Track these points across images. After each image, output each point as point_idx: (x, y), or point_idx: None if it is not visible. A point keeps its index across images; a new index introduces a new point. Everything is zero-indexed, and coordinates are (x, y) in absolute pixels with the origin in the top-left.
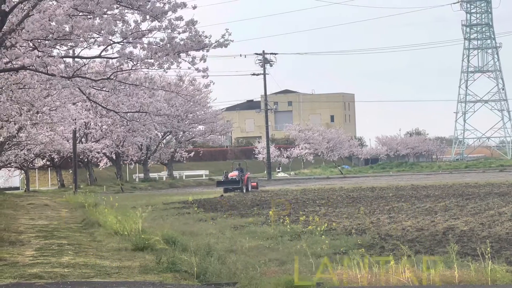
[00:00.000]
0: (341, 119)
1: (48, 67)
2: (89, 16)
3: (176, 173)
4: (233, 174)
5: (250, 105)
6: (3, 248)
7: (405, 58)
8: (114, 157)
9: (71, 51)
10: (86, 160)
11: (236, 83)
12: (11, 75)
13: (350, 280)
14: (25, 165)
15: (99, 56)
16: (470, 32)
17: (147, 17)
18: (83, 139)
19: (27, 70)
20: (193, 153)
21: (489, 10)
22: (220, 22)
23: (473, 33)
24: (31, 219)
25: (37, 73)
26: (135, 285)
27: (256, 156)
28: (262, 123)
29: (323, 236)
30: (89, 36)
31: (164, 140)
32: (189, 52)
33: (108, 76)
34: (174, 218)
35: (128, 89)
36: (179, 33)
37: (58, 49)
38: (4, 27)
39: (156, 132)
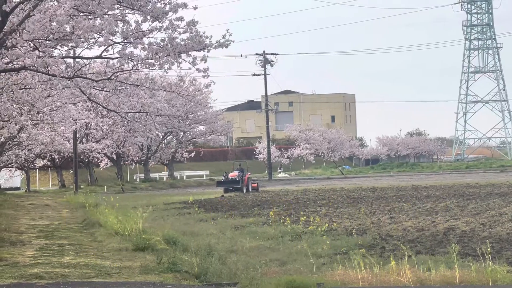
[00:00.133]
0: (342, 119)
1: (49, 68)
2: (90, 17)
3: (176, 174)
4: (234, 174)
5: (251, 105)
6: (4, 248)
7: (405, 59)
8: (114, 157)
9: (71, 52)
10: (86, 160)
11: (236, 84)
12: (12, 76)
13: (351, 280)
14: (26, 165)
15: (100, 57)
16: (471, 33)
17: (148, 17)
18: (83, 140)
19: (28, 71)
20: (193, 153)
21: (490, 11)
22: (221, 23)
23: (473, 34)
24: (31, 219)
25: (38, 73)
26: (135, 286)
27: (256, 156)
28: (263, 123)
29: (323, 236)
30: (89, 37)
31: (165, 141)
32: (189, 53)
33: (108, 76)
34: (174, 218)
35: (128, 89)
36: (179, 34)
37: (59, 49)
38: (5, 27)
39: (156, 132)
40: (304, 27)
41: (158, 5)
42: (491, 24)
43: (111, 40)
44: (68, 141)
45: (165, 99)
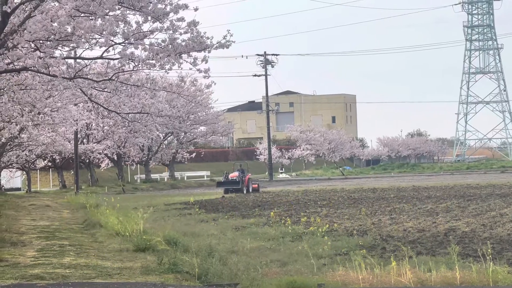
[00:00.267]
0: (343, 120)
1: (50, 68)
2: (91, 17)
3: (177, 174)
4: (234, 175)
5: (252, 106)
6: (5, 249)
7: (406, 59)
8: (115, 158)
9: (72, 52)
10: (87, 161)
11: (237, 84)
12: (13, 76)
13: (351, 281)
14: (27, 166)
15: (101, 57)
16: (472, 33)
17: (149, 18)
18: (84, 140)
19: (29, 71)
20: (194, 154)
21: (491, 12)
22: (222, 23)
23: (474, 34)
24: (32, 220)
25: (38, 74)
26: (136, 286)
27: (257, 157)
28: (264, 124)
29: (324, 237)
30: (90, 37)
31: (166, 141)
32: (190, 53)
33: (109, 77)
34: (175, 219)
35: (129, 90)
36: (180, 34)
37: (60, 50)
38: (6, 28)
39: (157, 133)
40: (305, 28)
41: (159, 5)
42: (492, 25)
43: (112, 40)
44: (69, 141)
45: (166, 99)
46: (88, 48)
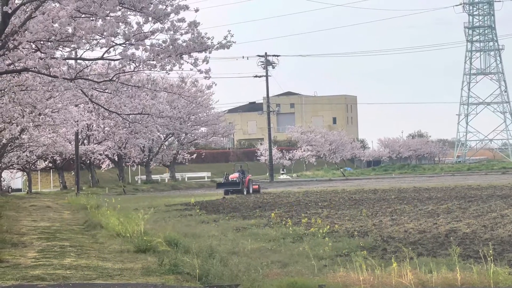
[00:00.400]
0: (344, 121)
1: (51, 69)
2: (91, 18)
3: (178, 175)
4: (234, 176)
5: (253, 107)
6: (5, 250)
7: (407, 60)
8: (116, 159)
9: (73, 53)
10: (88, 162)
11: (238, 85)
12: (14, 77)
13: (352, 282)
14: (27, 167)
15: (102, 58)
16: (473, 34)
17: (150, 19)
18: (85, 141)
19: (30, 72)
20: (195, 155)
21: (492, 12)
22: (223, 24)
23: (475, 35)
24: (33, 221)
25: (39, 75)
26: (137, 287)
27: (258, 158)
28: (265, 125)
29: (325, 238)
30: (91, 38)
31: (166, 142)
32: (191, 54)
33: (110, 77)
34: (176, 220)
35: (130, 90)
36: (181, 35)
37: (61, 50)
38: (7, 28)
39: (158, 134)
40: (305, 29)
41: (160, 6)
42: (493, 26)
43: (113, 41)
44: (70, 142)
45: (166, 100)
46: (89, 49)
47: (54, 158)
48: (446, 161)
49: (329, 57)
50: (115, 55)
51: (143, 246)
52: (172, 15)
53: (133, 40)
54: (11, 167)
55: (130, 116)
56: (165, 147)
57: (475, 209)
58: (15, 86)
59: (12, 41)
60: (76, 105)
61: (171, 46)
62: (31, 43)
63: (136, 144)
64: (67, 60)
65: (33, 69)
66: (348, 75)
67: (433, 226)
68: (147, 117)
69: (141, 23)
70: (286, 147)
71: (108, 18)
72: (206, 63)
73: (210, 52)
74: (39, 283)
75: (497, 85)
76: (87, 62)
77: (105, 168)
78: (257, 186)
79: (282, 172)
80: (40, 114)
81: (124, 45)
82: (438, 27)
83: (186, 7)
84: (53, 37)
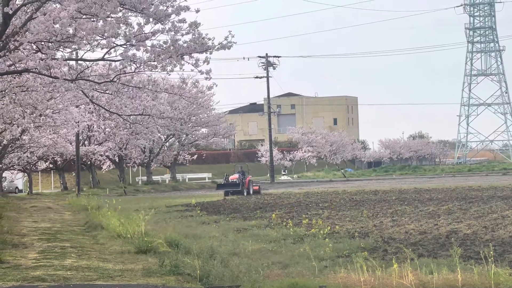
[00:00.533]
0: (344, 122)
1: (51, 70)
2: (92, 19)
3: (179, 176)
4: (234, 177)
5: (253, 108)
6: (6, 251)
7: (408, 61)
8: (117, 159)
9: (74, 54)
10: (89, 162)
11: (239, 86)
12: (14, 78)
13: (353, 283)
14: (28, 167)
15: (102, 59)
16: (474, 35)
17: (151, 19)
18: (86, 142)
19: (30, 73)
20: (196, 156)
21: (493, 14)
22: (223, 25)
23: (476, 36)
24: (34, 222)
25: (40, 75)
26: None
27: (259, 159)
28: (265, 126)
29: (326, 239)
30: (92, 39)
31: (167, 143)
32: (192, 54)
33: (111, 78)
34: (177, 221)
35: (131, 91)
36: (182, 35)
37: (62, 51)
38: (7, 29)
39: (159, 135)
40: (306, 30)
41: (161, 7)
42: (494, 27)
43: (114, 42)
44: (71, 143)
45: (167, 101)
46: (89, 50)
47: (55, 159)
48: (447, 162)
49: (330, 58)
50: (116, 56)
51: (144, 247)
52: (173, 16)
53: (134, 41)
54: (11, 168)
55: (131, 117)
56: (165, 148)
57: (476, 210)
58: (16, 87)
59: (13, 42)
60: (77, 106)
61: (172, 47)
62: (32, 44)
63: (136, 145)
64: (68, 61)
65: (34, 70)
66: (349, 76)
67: (434, 227)
68: (147, 118)
69: (142, 24)
70: (286, 148)
71: (109, 19)
72: (207, 64)
73: (211, 53)
74: (39, 284)
75: (497, 86)
76: (88, 63)
77: (106, 169)
78: (258, 187)
79: (284, 173)
80: (40, 115)
81: (125, 46)
82: (439, 28)
83: (187, 8)
84: (54, 38)
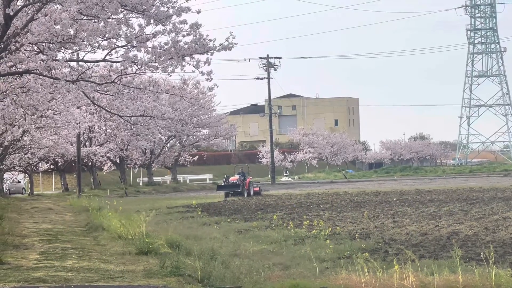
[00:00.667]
0: (345, 123)
1: (53, 71)
2: (93, 20)
3: (180, 177)
4: (234, 178)
5: (254, 109)
6: (7, 252)
7: (409, 62)
8: (118, 161)
9: (75, 55)
10: (90, 164)
11: (240, 87)
12: (15, 79)
13: (354, 284)
14: (29, 168)
15: (104, 60)
16: (475, 37)
17: (152, 21)
18: (87, 143)
19: (31, 74)
20: (197, 157)
21: (494, 15)
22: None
23: (477, 38)
24: (35, 223)
25: (41, 76)
26: None
27: (260, 160)
28: (266, 127)
29: (327, 240)
30: (93, 40)
31: (168, 144)
32: (193, 56)
33: (112, 79)
34: (178, 222)
35: (132, 92)
36: (183, 37)
37: (63, 52)
38: (9, 30)
39: (160, 136)
40: (307, 31)
41: (162, 8)
42: (495, 28)
43: (115, 43)
44: (72, 144)
45: (168, 102)
46: (90, 51)
47: (56, 160)
48: (448, 163)
49: (331, 59)
50: (117, 57)
51: (145, 248)
52: (174, 17)
53: (135, 42)
54: (12, 169)
55: (132, 118)
56: (166, 149)
57: (477, 212)
58: (17, 88)
59: (14, 43)
60: (78, 107)
61: (173, 48)
62: (33, 45)
63: (137, 146)
64: (69, 62)
65: (35, 71)
66: (350, 77)
67: (435, 229)
68: (149, 119)
69: (143, 25)
70: (288, 149)
71: (110, 20)
72: (208, 65)
73: (212, 54)
74: (40, 285)
75: (499, 87)
76: (89, 64)
77: (107, 170)
78: (258, 188)
79: (285, 174)
80: (42, 116)
81: (126, 47)
82: (440, 29)
83: (188, 9)
84: (55, 39)
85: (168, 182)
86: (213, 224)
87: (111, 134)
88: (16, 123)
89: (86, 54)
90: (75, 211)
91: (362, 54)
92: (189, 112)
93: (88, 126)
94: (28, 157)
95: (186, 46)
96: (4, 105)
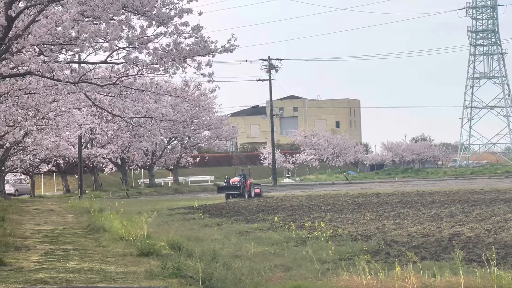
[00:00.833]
0: (347, 125)
1: (54, 73)
2: (95, 22)
3: (181, 179)
4: (235, 179)
5: (256, 110)
6: (9, 253)
7: (410, 64)
8: (119, 162)
9: (77, 57)
10: (91, 165)
11: (241, 89)
12: (17, 81)
13: (355, 286)
14: (31, 170)
15: (105, 62)
16: (476, 38)
17: (153, 22)
18: (88, 145)
19: (33, 76)
20: (198, 158)
21: (495, 16)
22: (226, 28)
23: (479, 39)
24: (36, 224)
25: (43, 78)
26: None
27: (261, 161)
28: (268, 128)
29: (328, 242)
30: (95, 42)
31: (170, 146)
32: (195, 57)
33: (114, 81)
34: (179, 224)
35: (134, 94)
36: (185, 38)
37: (64, 54)
38: (10, 32)
39: (161, 137)
40: (309, 33)
41: (163, 10)
42: (496, 29)
43: (116, 45)
44: (73, 146)
45: (170, 104)
46: (92, 53)
47: (58, 161)
48: (449, 164)
49: (332, 61)
50: (118, 59)
51: (146, 249)
52: (176, 18)
53: (136, 44)
54: (14, 170)
55: (134, 119)
56: (168, 151)
57: (479, 213)
58: (19, 89)
59: (15, 45)
60: (79, 109)
61: (174, 50)
62: (35, 47)
63: (139, 147)
64: (70, 64)
65: (36, 72)
66: (351, 78)
67: (437, 230)
68: (150, 120)
69: (145, 27)
70: (289, 151)
71: (112, 21)
72: (210, 67)
73: (213, 56)
74: (42, 287)
75: (500, 89)
76: (90, 65)
77: (108, 172)
78: (259, 190)
79: (288, 175)
80: (43, 118)
81: (127, 49)
82: (442, 31)
83: (189, 11)
84: (56, 41)
85: (169, 184)
86: (215, 226)
87: (112, 136)
88: (17, 125)
89: (87, 55)
90: (77, 212)
91: (364, 56)
92: (190, 114)
93: (90, 127)
94: (30, 159)
95: (187, 48)
96: (6, 106)
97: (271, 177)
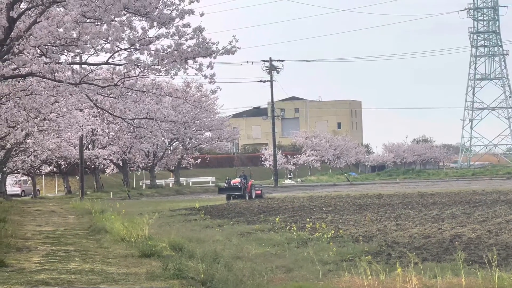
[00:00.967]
0: (348, 126)
1: (56, 74)
2: (96, 23)
3: (182, 180)
4: (236, 181)
5: (257, 112)
6: (10, 254)
7: (411, 65)
8: (121, 163)
9: (78, 58)
10: (93, 166)
11: (243, 90)
12: (19, 82)
13: (357, 287)
14: (32, 171)
15: (107, 63)
16: (477, 40)
17: (155, 24)
18: (90, 146)
19: (35, 77)
20: (199, 159)
21: (496, 18)
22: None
23: (480, 41)
24: (37, 225)
25: (44, 79)
26: None
27: (262, 163)
28: (269, 130)
29: (330, 243)
30: (96, 43)
31: (171, 147)
32: (196, 59)
33: (115, 82)
34: (180, 225)
35: (135, 95)
36: (186, 40)
37: (66, 55)
38: (12, 33)
39: (163, 138)
40: (310, 34)
41: (165, 11)
42: (498, 31)
43: (118, 46)
44: (74, 147)
45: (171, 105)
46: (93, 54)
47: (59, 162)
48: (450, 166)
49: (333, 62)
50: (120, 60)
51: (148, 250)
52: (177, 20)
53: (138, 45)
54: (15, 171)
55: (135, 120)
56: (169, 152)
57: (480, 214)
58: (20, 90)
59: (17, 46)
60: (80, 110)
61: (176, 51)
62: (36, 48)
63: (140, 148)
64: (71, 65)
65: (38, 73)
66: (353, 80)
67: (438, 231)
68: (151, 121)
69: (146, 28)
70: (290, 152)
71: (113, 23)
72: (211, 68)
73: (215, 57)
74: None
75: (501, 90)
76: (91, 67)
77: (110, 173)
78: (260, 191)
79: (289, 176)
80: (44, 119)
81: (129, 50)
82: (443, 32)
83: (191, 12)
84: (58, 42)
85: (170, 185)
86: (216, 227)
87: (114, 137)
88: (19, 126)
89: (89, 57)
90: (78, 213)
91: (365, 57)
92: (192, 115)
93: (91, 128)
94: (31, 160)
95: (189, 49)
96: (7, 107)
97: (272, 178)
